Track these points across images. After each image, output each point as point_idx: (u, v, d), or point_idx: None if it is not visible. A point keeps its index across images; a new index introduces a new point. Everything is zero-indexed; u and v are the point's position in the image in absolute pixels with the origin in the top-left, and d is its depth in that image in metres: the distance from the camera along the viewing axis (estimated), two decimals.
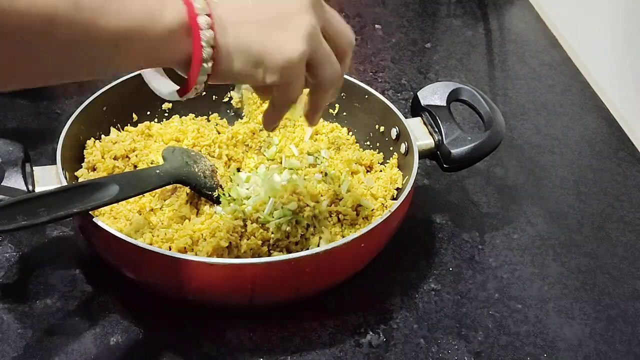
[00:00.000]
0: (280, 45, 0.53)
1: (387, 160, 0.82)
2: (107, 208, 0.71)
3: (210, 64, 0.52)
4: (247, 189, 0.76)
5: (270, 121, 0.61)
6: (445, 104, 0.81)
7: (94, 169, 0.77)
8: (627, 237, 0.83)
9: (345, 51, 0.58)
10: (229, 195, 0.75)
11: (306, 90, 0.59)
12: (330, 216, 0.74)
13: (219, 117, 0.89)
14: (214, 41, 0.51)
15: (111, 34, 0.48)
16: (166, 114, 0.87)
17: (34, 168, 0.70)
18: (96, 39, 0.48)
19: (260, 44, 0.53)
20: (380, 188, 0.77)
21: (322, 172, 0.79)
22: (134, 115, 0.85)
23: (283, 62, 0.53)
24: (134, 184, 0.68)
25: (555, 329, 0.72)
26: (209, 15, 0.51)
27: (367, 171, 0.82)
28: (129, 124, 0.84)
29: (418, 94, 0.83)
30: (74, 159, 0.77)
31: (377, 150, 0.84)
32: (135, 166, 0.79)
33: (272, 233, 0.70)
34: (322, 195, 0.75)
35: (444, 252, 0.79)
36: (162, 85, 0.59)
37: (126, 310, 0.70)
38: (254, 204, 0.72)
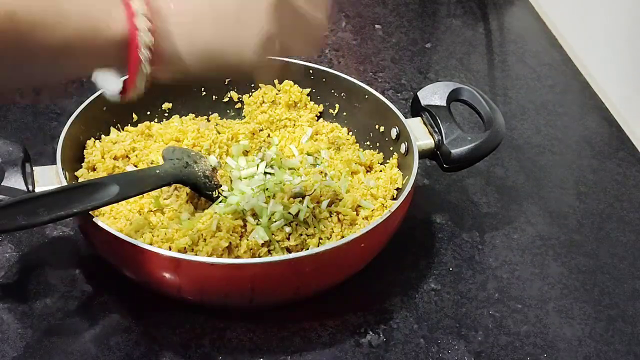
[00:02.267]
0: (239, 40, 0.51)
1: (387, 160, 0.82)
2: (107, 208, 0.71)
3: (148, 68, 0.50)
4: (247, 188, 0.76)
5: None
6: (445, 104, 0.81)
7: (94, 169, 0.77)
8: (627, 237, 0.83)
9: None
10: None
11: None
12: (330, 216, 0.74)
13: (219, 117, 0.89)
14: (153, 45, 0.49)
15: (50, 48, 0.47)
16: (166, 114, 0.87)
17: (34, 168, 0.70)
18: (33, 52, 0.46)
19: (218, 43, 0.51)
20: (380, 188, 0.77)
21: (322, 172, 0.79)
22: (134, 115, 0.85)
23: (250, 53, 0.51)
24: (134, 184, 0.68)
25: (555, 329, 0.72)
26: (149, 19, 0.49)
27: (367, 171, 0.82)
28: (129, 124, 0.84)
29: (418, 94, 0.83)
30: (74, 159, 0.77)
31: (377, 150, 0.84)
32: (135, 166, 0.79)
33: (273, 233, 0.70)
34: (322, 196, 0.75)
35: (444, 252, 0.79)
36: (109, 82, 0.54)
37: (126, 310, 0.70)
38: (254, 205, 0.72)
